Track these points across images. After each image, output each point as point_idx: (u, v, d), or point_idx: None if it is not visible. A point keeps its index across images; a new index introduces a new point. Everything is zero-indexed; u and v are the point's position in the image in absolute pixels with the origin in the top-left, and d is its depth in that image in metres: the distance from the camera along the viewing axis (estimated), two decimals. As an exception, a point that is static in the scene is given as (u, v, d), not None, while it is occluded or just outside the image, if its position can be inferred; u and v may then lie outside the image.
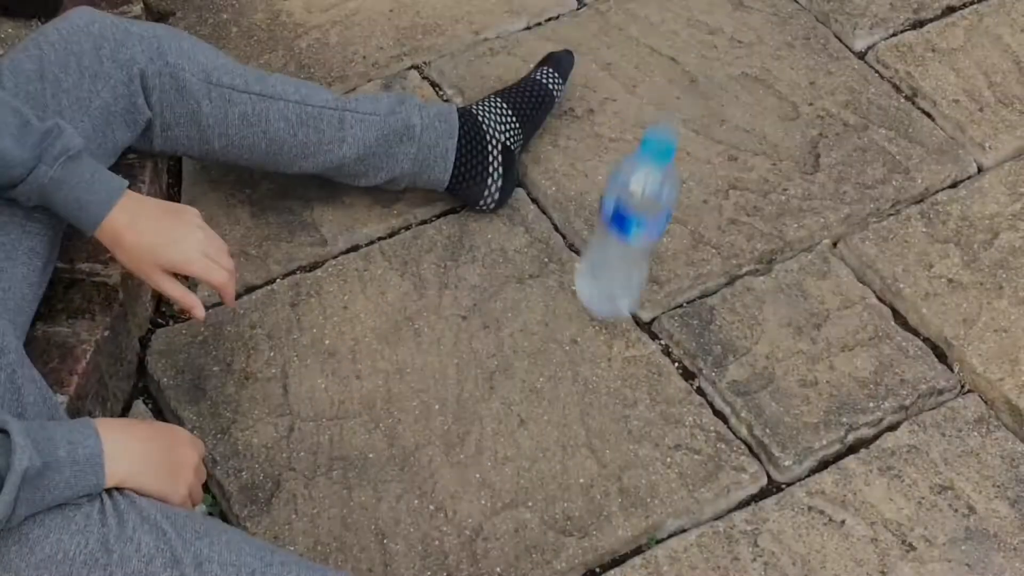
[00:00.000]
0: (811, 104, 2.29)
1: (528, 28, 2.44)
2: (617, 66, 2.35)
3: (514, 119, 2.11)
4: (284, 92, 1.95)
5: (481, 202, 2.09)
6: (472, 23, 2.44)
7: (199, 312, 1.74)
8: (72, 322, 1.81)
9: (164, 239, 1.71)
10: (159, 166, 2.10)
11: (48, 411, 1.51)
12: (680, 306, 2.03)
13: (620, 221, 1.85)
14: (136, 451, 1.44)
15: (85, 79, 1.80)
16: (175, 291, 1.73)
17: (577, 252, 2.09)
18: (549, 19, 2.46)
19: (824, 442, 1.87)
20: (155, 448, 1.48)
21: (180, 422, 1.88)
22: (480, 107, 2.11)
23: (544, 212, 2.15)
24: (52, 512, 1.36)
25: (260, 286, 2.05)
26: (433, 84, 2.33)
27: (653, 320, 2.02)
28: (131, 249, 1.69)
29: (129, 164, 2.01)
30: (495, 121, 2.09)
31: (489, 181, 2.07)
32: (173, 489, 1.48)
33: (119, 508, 1.38)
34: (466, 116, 2.08)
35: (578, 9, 2.48)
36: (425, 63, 2.37)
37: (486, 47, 2.39)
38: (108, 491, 1.41)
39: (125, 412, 1.91)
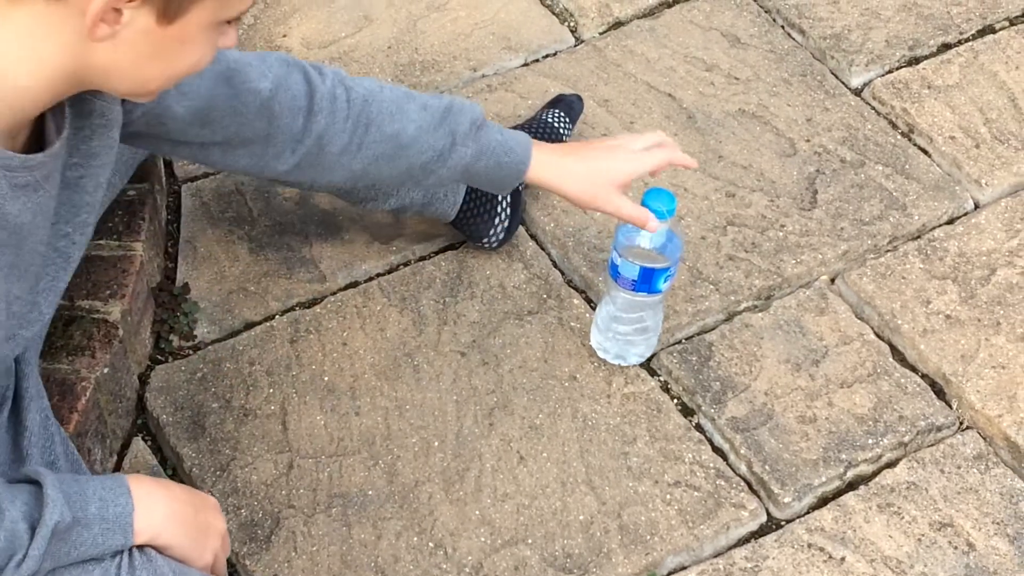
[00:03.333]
0: (808, 140, 2.30)
1: (526, 64, 2.45)
2: (615, 102, 2.36)
3: None
4: None
5: (485, 240, 2.10)
6: (470, 60, 2.45)
7: (654, 224, 1.81)
8: (72, 359, 1.81)
9: (604, 155, 1.82)
10: (158, 203, 2.10)
11: (72, 464, 1.50)
12: (679, 342, 2.03)
13: (651, 279, 1.87)
14: (166, 509, 1.42)
15: None
16: (633, 210, 1.81)
17: (576, 288, 2.10)
18: (546, 56, 2.48)
19: (823, 479, 1.87)
20: (186, 508, 1.45)
21: (179, 459, 1.88)
22: None
23: (543, 248, 2.15)
24: (71, 566, 1.35)
25: (259, 322, 2.05)
26: (431, 120, 2.34)
27: (652, 357, 2.02)
28: (578, 175, 1.81)
29: (129, 200, 2.02)
30: None
31: (496, 221, 2.08)
32: (199, 553, 1.45)
33: (134, 564, 1.37)
34: None
35: (575, 46, 2.49)
36: (423, 99, 2.38)
37: (484, 83, 2.40)
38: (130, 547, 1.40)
39: (124, 449, 1.91)
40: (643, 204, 1.82)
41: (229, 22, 1.25)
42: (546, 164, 1.83)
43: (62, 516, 1.30)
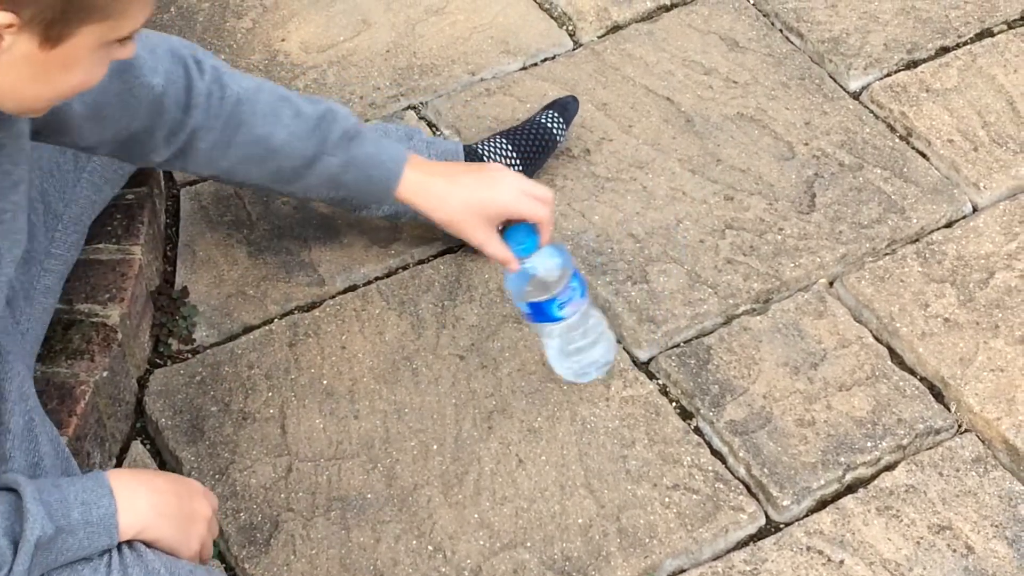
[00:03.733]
0: (806, 144, 2.31)
1: (524, 68, 2.46)
2: (613, 106, 2.37)
3: (517, 160, 2.12)
4: None
5: None
6: (468, 64, 2.45)
7: (515, 266, 1.81)
8: (71, 363, 1.82)
9: (484, 185, 1.79)
10: (157, 206, 2.10)
11: (61, 464, 1.50)
12: (677, 346, 2.03)
13: (544, 311, 1.85)
14: (149, 503, 1.42)
15: None
16: (498, 248, 1.79)
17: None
18: (545, 59, 2.48)
19: (822, 482, 1.87)
20: (170, 499, 1.46)
21: (178, 463, 1.88)
22: (484, 147, 2.12)
23: (541, 252, 2.15)
24: (60, 568, 1.35)
25: (258, 326, 2.05)
26: (430, 124, 2.34)
27: (650, 360, 2.02)
28: (448, 201, 1.78)
29: (128, 204, 2.02)
30: (499, 162, 2.10)
31: None
32: (186, 541, 1.46)
33: (125, 561, 1.37)
34: (471, 156, 2.09)
35: (574, 50, 2.50)
36: (422, 103, 2.38)
37: (482, 87, 2.40)
38: (118, 544, 1.40)
39: (123, 453, 1.91)
40: (505, 240, 1.81)
41: (122, 40, 1.23)
42: (417, 184, 1.81)
43: (43, 530, 1.30)
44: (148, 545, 1.42)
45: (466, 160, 2.08)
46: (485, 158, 2.10)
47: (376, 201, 1.81)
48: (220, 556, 1.81)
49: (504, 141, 2.13)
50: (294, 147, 1.70)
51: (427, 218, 1.84)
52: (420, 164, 1.81)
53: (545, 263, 1.85)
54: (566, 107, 2.23)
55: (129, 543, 1.40)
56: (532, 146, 2.15)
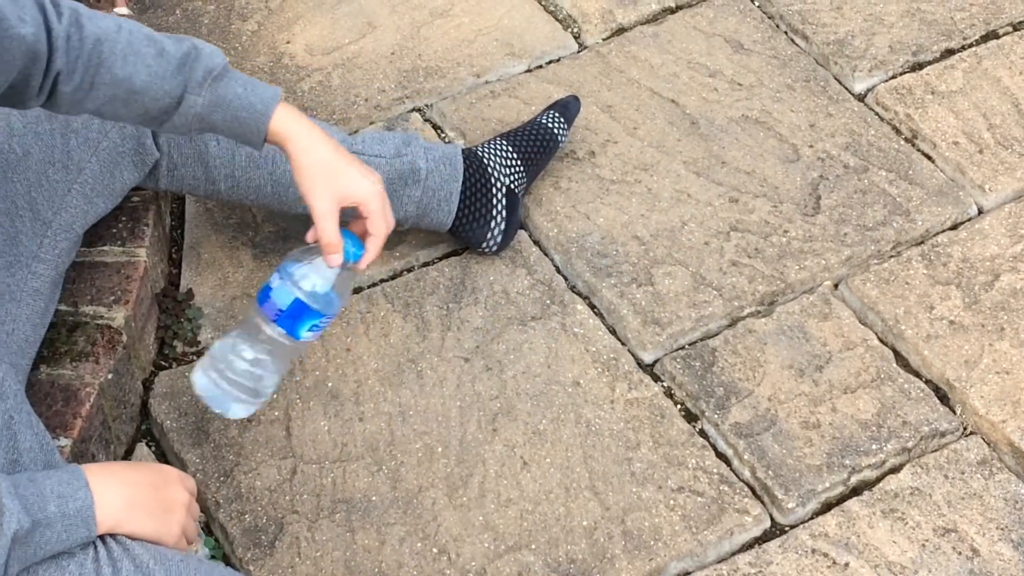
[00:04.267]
0: (811, 146, 2.30)
1: (529, 71, 2.46)
2: (618, 108, 2.37)
3: (518, 162, 2.12)
4: None
5: (484, 245, 2.10)
6: (473, 66, 2.45)
7: (336, 260, 1.64)
8: (76, 365, 1.82)
9: (356, 169, 1.65)
10: (162, 208, 2.10)
11: (45, 457, 1.50)
12: (682, 348, 2.03)
13: (299, 317, 1.66)
14: (125, 495, 1.43)
15: (94, 119, 1.81)
16: (332, 232, 1.63)
17: (579, 294, 2.10)
18: (550, 62, 2.48)
19: (827, 484, 1.87)
20: (144, 490, 1.46)
21: (183, 465, 1.88)
22: (485, 150, 2.12)
23: (546, 254, 2.15)
24: (45, 562, 1.36)
25: (263, 328, 2.05)
26: (435, 126, 2.34)
27: (655, 362, 2.02)
28: (317, 155, 1.63)
29: (133, 206, 2.02)
30: (500, 164, 2.10)
31: (492, 224, 2.08)
32: (166, 530, 1.46)
33: (113, 555, 1.38)
34: (471, 158, 2.09)
35: (579, 52, 2.50)
36: (427, 105, 2.38)
37: (487, 89, 2.40)
38: (102, 537, 1.40)
39: (128, 455, 1.91)
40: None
41: None
42: (291, 123, 1.66)
43: (20, 524, 1.31)
44: (130, 538, 1.42)
45: (465, 164, 2.08)
46: (486, 160, 2.10)
47: (249, 143, 1.68)
48: (225, 558, 1.81)
49: (505, 143, 2.13)
50: (157, 87, 1.60)
51: (291, 162, 1.67)
52: (295, 110, 1.69)
53: (346, 282, 1.71)
54: (567, 107, 2.23)
55: (113, 536, 1.40)
56: (533, 147, 2.15)
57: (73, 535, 1.36)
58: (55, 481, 1.38)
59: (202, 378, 1.70)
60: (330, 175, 1.65)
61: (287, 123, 1.65)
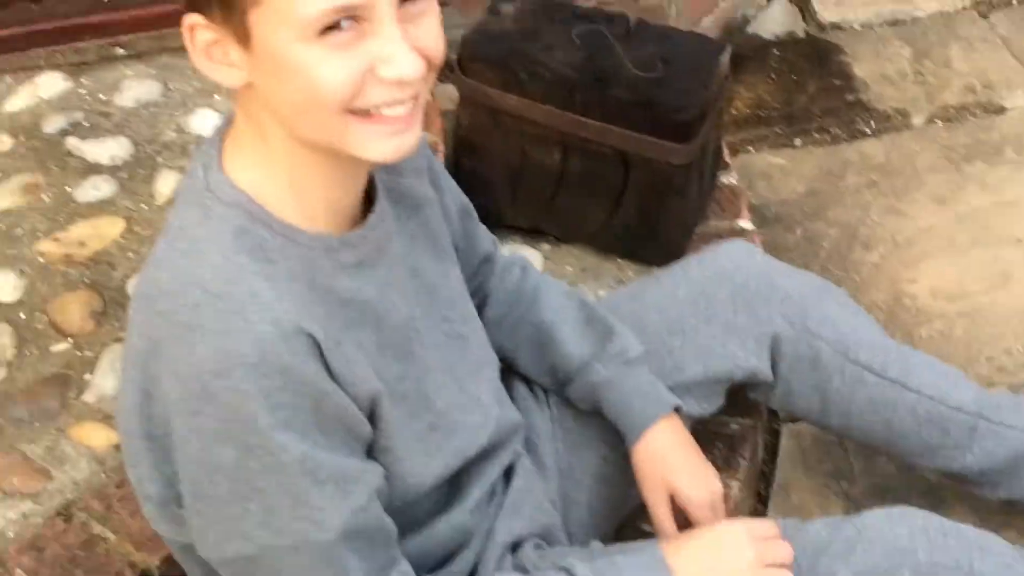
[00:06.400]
0: None
1: None
2: None
3: None
4: (921, 383, 1.75)
5: None
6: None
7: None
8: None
9: (690, 466, 1.61)
10: (758, 442, 1.98)
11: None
12: None
13: None
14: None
15: (714, 327, 1.71)
16: (665, 520, 1.59)
17: None
18: None
19: None
20: (718, 567, 1.36)
21: None
22: None
23: None
24: None
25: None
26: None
27: None
28: (692, 468, 1.61)
29: (730, 435, 1.91)
30: None
31: None
32: None
33: None
34: None
35: None
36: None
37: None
38: None
39: None
40: None
41: (330, 28, 1.10)
42: (665, 442, 1.60)
43: None
44: None
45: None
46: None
47: (624, 431, 1.62)
48: None
49: None
50: (573, 344, 1.61)
51: (662, 471, 1.61)
52: (679, 426, 1.63)
53: None
54: None
55: None
56: None
57: None
58: (634, 566, 1.34)
59: None
60: (658, 468, 1.60)
61: (661, 439, 1.61)
